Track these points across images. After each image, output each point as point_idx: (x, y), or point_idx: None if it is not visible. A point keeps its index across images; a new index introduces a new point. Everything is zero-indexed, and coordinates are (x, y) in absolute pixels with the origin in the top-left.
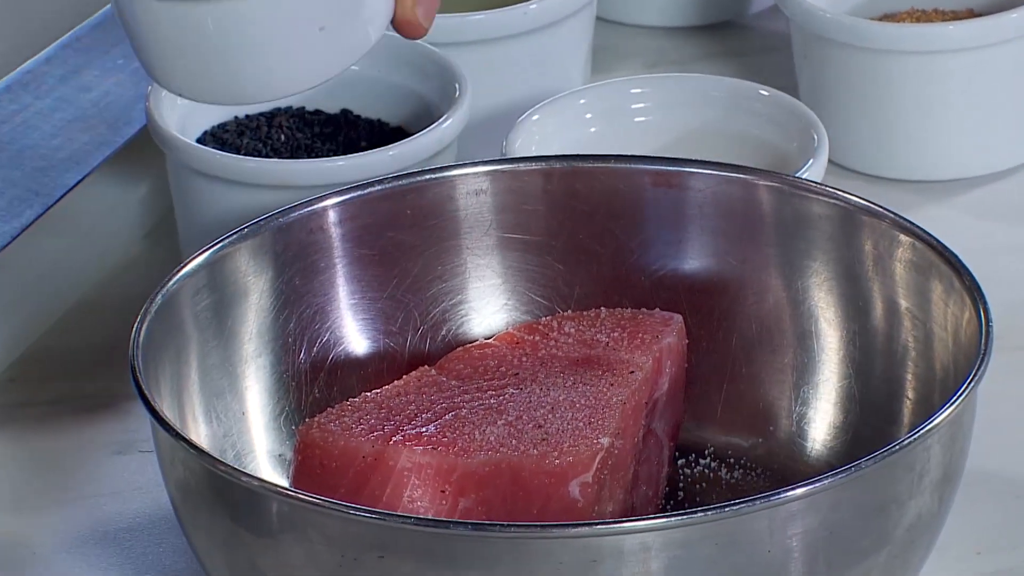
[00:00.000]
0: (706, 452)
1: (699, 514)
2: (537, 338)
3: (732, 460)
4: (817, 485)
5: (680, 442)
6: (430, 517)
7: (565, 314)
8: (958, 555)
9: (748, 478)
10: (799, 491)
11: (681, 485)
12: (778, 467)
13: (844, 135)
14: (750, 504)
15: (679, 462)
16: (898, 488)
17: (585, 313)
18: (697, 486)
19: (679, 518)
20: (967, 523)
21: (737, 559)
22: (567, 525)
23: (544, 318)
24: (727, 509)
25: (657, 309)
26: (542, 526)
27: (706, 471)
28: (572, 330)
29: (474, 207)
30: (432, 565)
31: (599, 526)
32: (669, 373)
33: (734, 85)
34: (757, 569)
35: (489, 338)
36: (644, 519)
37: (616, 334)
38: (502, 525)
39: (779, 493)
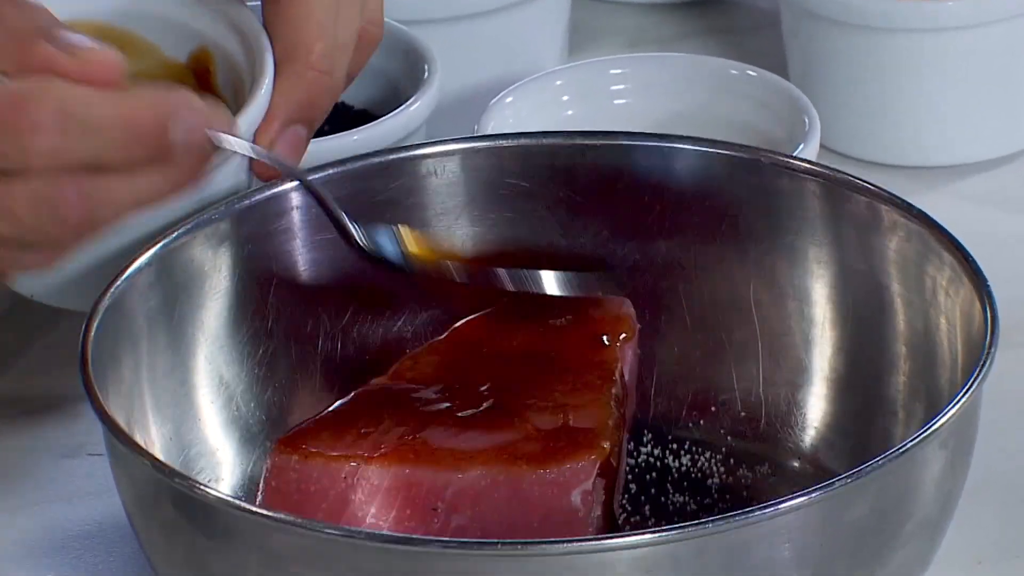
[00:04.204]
0: (645, 440)
1: (710, 524)
2: (493, 335)
3: (675, 446)
4: (824, 492)
5: None
6: (462, 539)
7: (518, 302)
8: (958, 565)
9: (699, 463)
10: (816, 495)
11: (630, 477)
12: (727, 450)
13: (836, 118)
14: (762, 511)
15: None
16: (899, 494)
17: (537, 301)
18: (647, 476)
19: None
20: (968, 531)
21: (792, 552)
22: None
23: (494, 308)
24: (754, 513)
25: (624, 297)
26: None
27: (651, 459)
28: (528, 321)
29: (424, 190)
30: None
31: (664, 533)
32: (629, 361)
33: (720, 65)
34: (807, 561)
35: (430, 324)
36: (699, 524)
37: (576, 323)
38: (559, 542)
39: (803, 494)
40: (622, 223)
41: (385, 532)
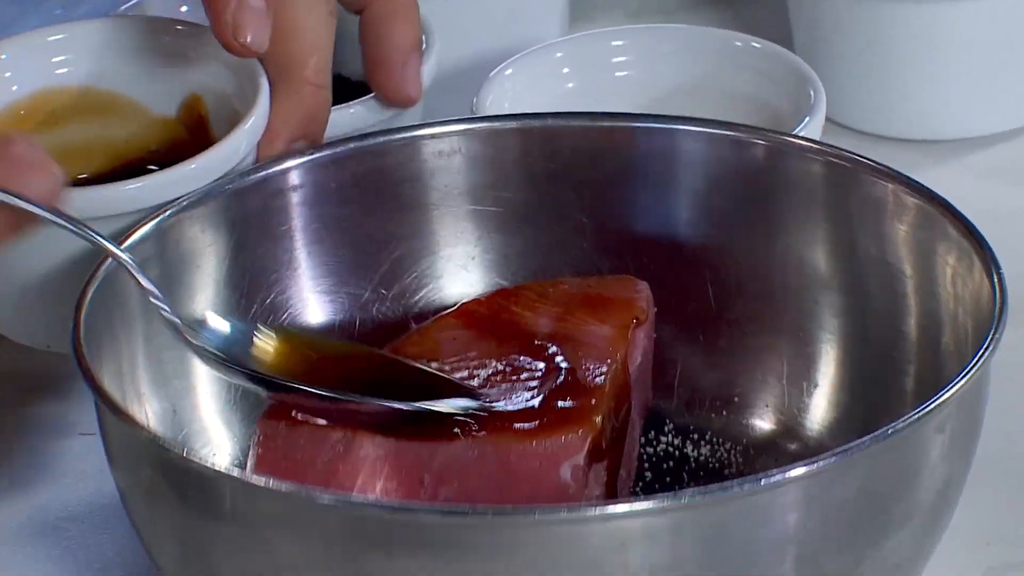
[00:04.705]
0: (666, 429)
1: (730, 489)
2: (501, 313)
3: (696, 436)
4: (805, 469)
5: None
6: (440, 506)
7: (528, 283)
8: (966, 546)
9: (718, 454)
10: (796, 473)
11: (647, 465)
12: (747, 441)
13: (842, 91)
14: (767, 478)
15: (640, 439)
16: (889, 476)
17: (548, 283)
18: (664, 465)
19: (712, 494)
20: (976, 512)
21: (772, 530)
22: (594, 505)
23: (505, 288)
24: (761, 482)
25: (630, 275)
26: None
27: (669, 448)
28: (537, 302)
29: (438, 170)
30: (443, 558)
31: (637, 504)
32: (641, 345)
33: (723, 37)
34: (789, 541)
35: (451, 306)
36: (674, 496)
37: (585, 305)
38: (528, 510)
39: (783, 471)
40: (648, 206)
41: (353, 497)
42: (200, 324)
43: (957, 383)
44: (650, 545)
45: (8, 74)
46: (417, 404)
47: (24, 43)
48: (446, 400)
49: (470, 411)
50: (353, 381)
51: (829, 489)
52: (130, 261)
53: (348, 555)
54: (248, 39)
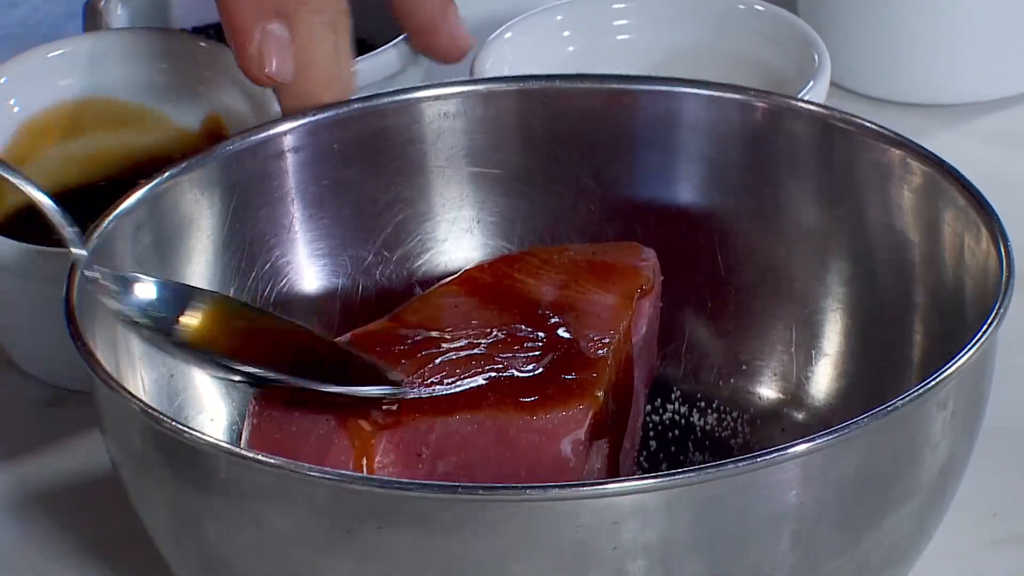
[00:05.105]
0: (672, 396)
1: (729, 466)
2: (504, 280)
3: (703, 404)
4: (803, 447)
5: None
6: (428, 482)
7: (532, 249)
8: (973, 518)
9: (724, 422)
10: (792, 451)
11: (652, 434)
12: (755, 410)
13: (847, 54)
14: (781, 453)
15: (646, 408)
16: (889, 454)
17: (553, 249)
18: (669, 434)
19: (707, 471)
20: (983, 483)
21: (768, 509)
22: (590, 483)
23: (508, 254)
24: (760, 460)
25: (635, 242)
26: (570, 486)
27: (676, 417)
28: (541, 269)
29: (442, 132)
30: (433, 534)
31: (630, 482)
32: (647, 315)
33: None
34: (785, 519)
35: (452, 274)
36: (668, 474)
37: (590, 273)
38: (519, 487)
39: (779, 450)
40: (654, 170)
41: (343, 472)
42: (124, 284)
43: (959, 358)
44: (643, 523)
45: (34, 85)
46: (335, 387)
47: (53, 54)
48: (366, 387)
49: (388, 396)
50: (281, 358)
51: (827, 468)
52: (72, 232)
53: (338, 529)
54: (274, 68)
